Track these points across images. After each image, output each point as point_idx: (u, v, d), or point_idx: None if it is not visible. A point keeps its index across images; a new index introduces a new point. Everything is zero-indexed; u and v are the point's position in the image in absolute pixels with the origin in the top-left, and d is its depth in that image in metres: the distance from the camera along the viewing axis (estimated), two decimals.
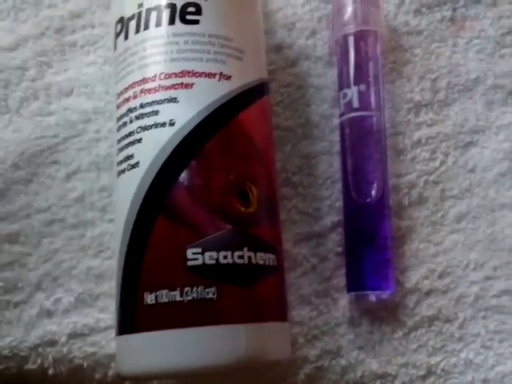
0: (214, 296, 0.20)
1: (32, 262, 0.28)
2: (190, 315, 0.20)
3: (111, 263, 0.28)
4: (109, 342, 0.27)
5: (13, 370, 0.27)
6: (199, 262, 0.21)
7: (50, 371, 0.27)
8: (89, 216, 0.28)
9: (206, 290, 0.20)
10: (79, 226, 0.28)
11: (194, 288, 0.20)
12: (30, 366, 0.27)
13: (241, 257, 0.21)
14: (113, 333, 0.27)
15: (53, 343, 0.27)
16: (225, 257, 0.21)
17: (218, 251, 0.21)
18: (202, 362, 0.20)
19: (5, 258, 0.28)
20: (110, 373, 0.27)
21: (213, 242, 0.21)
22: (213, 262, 0.21)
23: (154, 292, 0.21)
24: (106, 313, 0.27)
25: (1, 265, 0.28)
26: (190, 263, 0.21)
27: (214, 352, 0.20)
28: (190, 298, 0.20)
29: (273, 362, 0.22)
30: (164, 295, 0.20)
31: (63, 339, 0.27)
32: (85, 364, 0.27)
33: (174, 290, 0.20)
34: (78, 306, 0.27)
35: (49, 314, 0.27)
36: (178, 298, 0.20)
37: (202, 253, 0.21)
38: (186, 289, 0.20)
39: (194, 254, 0.21)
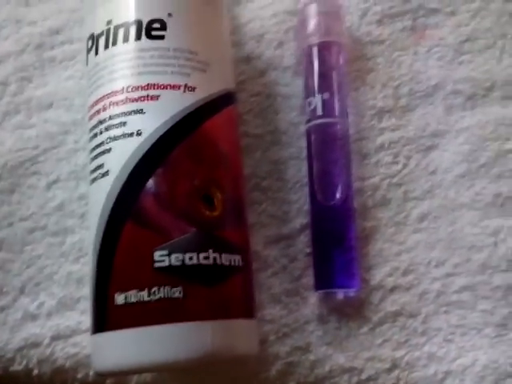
0: (181, 295, 0.22)
1: (16, 268, 0.29)
2: (157, 314, 0.21)
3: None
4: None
5: None
6: (166, 263, 0.22)
7: (35, 372, 0.28)
8: (69, 223, 0.29)
9: (173, 289, 0.22)
10: (59, 233, 0.29)
11: (161, 288, 0.22)
12: (15, 367, 0.28)
13: (206, 258, 0.22)
14: None
15: (37, 345, 0.28)
16: (190, 258, 0.22)
17: (184, 253, 0.22)
18: (169, 357, 0.21)
19: None
20: (91, 372, 0.28)
21: (179, 245, 0.22)
22: (179, 263, 0.22)
23: (124, 292, 0.22)
24: (87, 315, 0.28)
25: None
26: (157, 265, 0.22)
27: (181, 348, 0.21)
28: (157, 297, 0.21)
29: (240, 356, 0.23)
30: (133, 295, 0.22)
31: (46, 341, 0.28)
32: (67, 364, 0.28)
33: (143, 290, 0.22)
34: (60, 309, 0.28)
35: (33, 317, 0.28)
36: (146, 298, 0.22)
37: (169, 255, 0.22)
38: (154, 289, 0.22)
39: (160, 256, 0.22)
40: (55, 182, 0.30)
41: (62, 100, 0.31)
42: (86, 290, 0.28)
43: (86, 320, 0.28)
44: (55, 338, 0.28)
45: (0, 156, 0.30)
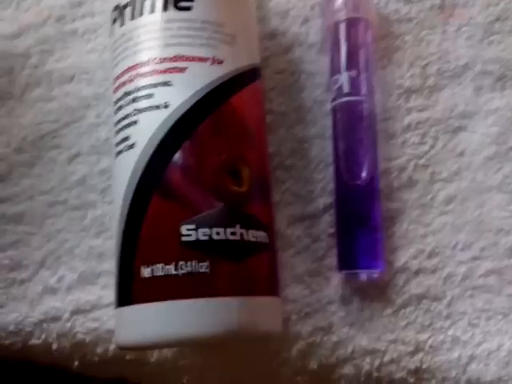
0: (208, 270, 0.21)
1: (36, 242, 0.29)
2: (184, 288, 0.21)
3: (112, 243, 0.28)
4: (110, 318, 0.28)
5: (18, 346, 0.28)
6: (193, 237, 0.22)
7: (54, 346, 0.28)
8: (90, 198, 0.29)
9: (200, 264, 0.21)
10: (81, 207, 0.29)
11: (188, 262, 0.21)
12: (34, 341, 0.28)
13: (233, 233, 0.22)
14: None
15: (56, 319, 0.28)
16: (218, 233, 0.22)
17: (211, 228, 0.22)
18: (195, 332, 0.21)
19: (10, 237, 0.29)
20: (111, 347, 0.28)
21: (206, 219, 0.22)
22: (206, 238, 0.22)
23: (150, 266, 0.22)
24: (108, 290, 0.28)
25: (6, 244, 0.29)
26: (184, 239, 0.22)
27: (207, 323, 0.21)
28: (184, 271, 0.21)
29: (264, 334, 0.23)
30: (160, 269, 0.21)
31: (66, 315, 0.28)
32: (87, 339, 0.28)
33: (169, 263, 0.21)
34: (81, 284, 0.28)
35: (52, 290, 0.28)
36: (173, 272, 0.21)
37: (196, 229, 0.22)
38: (181, 263, 0.21)
39: (188, 230, 0.22)
40: (76, 156, 0.30)
41: (83, 73, 0.30)
42: (107, 265, 0.28)
43: (107, 294, 0.28)
44: (75, 312, 0.28)
45: (20, 129, 0.30)
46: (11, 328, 0.28)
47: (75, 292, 0.28)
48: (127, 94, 0.24)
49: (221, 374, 0.28)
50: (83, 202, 0.29)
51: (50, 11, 0.31)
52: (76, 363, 0.28)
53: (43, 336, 0.28)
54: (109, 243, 0.29)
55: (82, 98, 0.30)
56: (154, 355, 0.28)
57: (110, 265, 0.28)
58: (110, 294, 0.28)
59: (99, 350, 0.28)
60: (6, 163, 0.30)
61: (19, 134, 0.30)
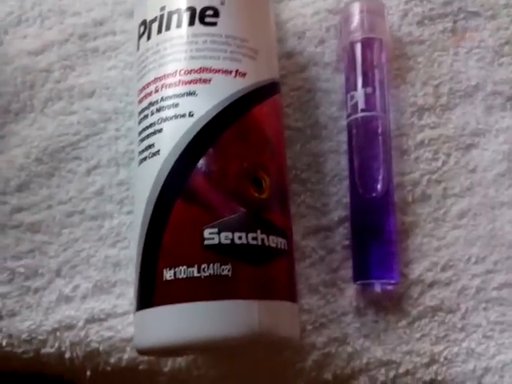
0: (229, 273, 0.22)
1: (52, 250, 0.29)
2: (206, 290, 0.22)
3: (128, 253, 0.29)
4: (125, 327, 0.28)
5: (30, 354, 0.28)
6: (215, 241, 0.22)
7: (67, 355, 0.28)
8: (107, 208, 0.30)
9: (222, 267, 0.22)
10: (98, 217, 0.29)
11: (211, 265, 0.22)
12: (47, 349, 0.28)
13: (254, 238, 0.23)
14: (129, 318, 0.28)
15: (70, 327, 0.28)
16: (239, 237, 0.22)
17: (233, 232, 0.22)
18: (217, 334, 0.21)
19: (27, 245, 0.29)
20: (125, 357, 0.28)
21: (228, 224, 0.22)
22: (228, 241, 0.22)
23: (173, 268, 0.22)
24: (123, 299, 0.28)
25: (23, 252, 0.29)
26: (206, 242, 0.22)
27: (229, 325, 0.21)
28: (206, 274, 0.22)
29: (283, 339, 0.23)
30: (182, 271, 0.22)
31: (81, 323, 0.28)
32: (101, 348, 0.28)
33: (192, 266, 0.22)
34: (96, 293, 0.28)
35: (67, 299, 0.28)
36: (196, 274, 0.22)
37: (218, 233, 0.22)
38: (203, 265, 0.22)
39: (210, 233, 0.22)
40: (95, 167, 0.30)
41: (104, 89, 0.31)
42: (123, 274, 0.29)
43: (122, 304, 0.28)
44: (90, 320, 0.28)
45: (41, 140, 0.30)
46: (24, 336, 0.28)
47: (90, 301, 0.28)
48: (152, 103, 0.24)
49: None
50: (100, 213, 0.30)
51: (73, 29, 0.32)
52: (88, 373, 0.28)
53: (56, 344, 0.28)
54: (124, 253, 0.29)
55: (103, 112, 0.31)
56: (168, 365, 0.28)
57: (126, 274, 0.29)
58: (125, 304, 0.28)
59: (113, 359, 0.28)
60: (26, 173, 0.30)
61: (40, 145, 0.30)
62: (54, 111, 0.31)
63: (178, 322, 0.21)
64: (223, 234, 0.22)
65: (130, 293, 0.28)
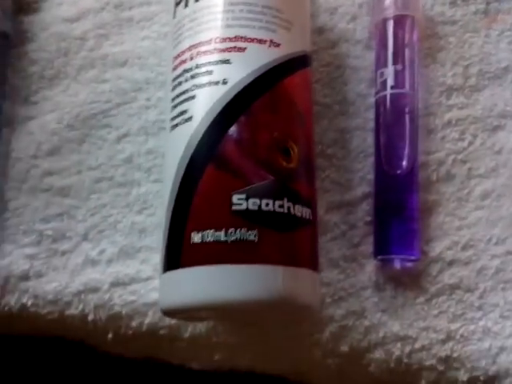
0: (256, 238, 0.22)
1: (80, 215, 0.30)
2: (232, 254, 0.22)
3: (154, 220, 0.29)
4: (148, 292, 0.28)
5: (55, 315, 0.29)
6: (243, 207, 0.22)
7: (90, 317, 0.29)
8: (135, 176, 0.30)
9: (249, 232, 0.22)
10: (126, 184, 0.30)
11: (238, 230, 0.22)
12: (71, 311, 0.29)
13: (281, 206, 0.23)
14: (152, 283, 0.28)
15: (95, 290, 0.29)
16: (267, 204, 0.23)
17: (261, 199, 0.23)
18: (242, 296, 0.22)
19: (55, 209, 0.30)
20: (147, 321, 0.28)
21: (256, 190, 0.23)
22: (255, 207, 0.23)
23: (201, 232, 0.22)
24: (147, 265, 0.29)
25: (51, 215, 0.30)
26: (234, 207, 0.22)
27: (254, 288, 0.22)
28: (233, 238, 0.22)
29: (305, 306, 0.23)
30: (210, 235, 0.22)
31: (105, 287, 0.29)
32: (123, 311, 0.28)
33: (220, 230, 0.22)
34: (121, 257, 0.29)
35: (93, 263, 0.29)
36: (223, 238, 0.22)
37: (246, 199, 0.23)
38: (230, 230, 0.22)
39: (238, 199, 0.23)
40: (125, 135, 0.31)
41: (136, 58, 0.32)
42: (148, 241, 0.29)
43: (146, 269, 0.29)
44: (114, 284, 0.29)
45: (73, 106, 0.31)
46: (50, 297, 0.29)
47: (115, 265, 0.29)
48: (187, 70, 0.25)
49: (252, 352, 0.29)
50: (129, 180, 0.30)
51: None
52: (110, 336, 0.29)
53: (81, 306, 0.29)
54: (150, 220, 0.29)
55: (134, 82, 0.31)
56: (188, 330, 0.28)
57: (151, 241, 0.29)
58: (148, 269, 0.29)
59: (134, 323, 0.28)
60: (58, 138, 0.31)
61: (72, 111, 0.31)
62: (86, 79, 0.31)
63: (204, 284, 0.22)
64: (251, 201, 0.23)
65: (154, 259, 0.29)
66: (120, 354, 0.30)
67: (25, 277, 0.29)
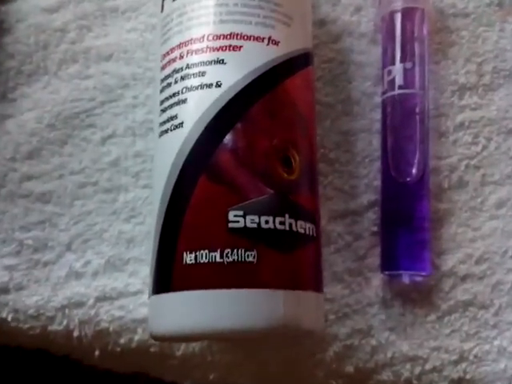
0: (254, 260, 0.20)
1: (63, 223, 0.28)
2: (229, 277, 0.20)
3: (142, 228, 0.27)
4: (137, 307, 0.27)
5: (37, 331, 0.27)
6: (241, 224, 0.20)
7: (75, 333, 0.27)
8: (122, 181, 0.28)
9: (247, 252, 0.20)
10: (112, 190, 0.28)
11: (235, 250, 0.20)
12: (55, 326, 0.27)
13: (282, 223, 0.21)
14: (142, 298, 0.27)
15: (80, 305, 0.27)
16: (266, 221, 0.21)
17: (260, 215, 0.21)
18: (238, 324, 0.20)
19: (36, 216, 0.28)
20: (136, 338, 0.27)
21: (255, 206, 0.21)
22: (254, 225, 0.20)
23: (194, 252, 0.20)
24: (136, 277, 0.27)
25: (32, 223, 0.28)
26: (231, 225, 0.20)
27: (252, 315, 0.20)
28: (230, 259, 0.20)
29: (307, 331, 0.22)
30: (204, 255, 0.20)
31: (91, 301, 0.27)
32: (111, 328, 0.27)
33: (215, 250, 0.20)
34: (108, 269, 0.27)
35: (78, 275, 0.27)
36: (218, 260, 0.20)
37: (244, 216, 0.20)
38: (227, 250, 0.20)
39: (235, 216, 0.20)
40: (110, 136, 0.29)
41: (122, 52, 0.29)
42: (137, 251, 0.27)
43: (135, 282, 0.27)
44: (100, 298, 0.27)
45: (54, 105, 0.29)
46: (31, 312, 0.27)
47: (101, 278, 0.27)
48: (176, 71, 0.23)
49: (249, 372, 0.27)
50: (115, 185, 0.28)
51: None
52: (97, 353, 0.27)
53: (65, 322, 0.27)
54: (139, 229, 0.28)
55: (120, 78, 0.29)
56: (181, 349, 0.27)
57: (140, 251, 0.27)
58: (137, 282, 0.27)
59: (122, 340, 0.27)
60: (37, 139, 0.29)
61: (53, 110, 0.29)
62: (68, 74, 0.29)
63: (198, 310, 0.20)
64: (249, 217, 0.20)
65: (144, 271, 0.27)
66: (108, 370, 0.29)
67: (4, 289, 0.27)
